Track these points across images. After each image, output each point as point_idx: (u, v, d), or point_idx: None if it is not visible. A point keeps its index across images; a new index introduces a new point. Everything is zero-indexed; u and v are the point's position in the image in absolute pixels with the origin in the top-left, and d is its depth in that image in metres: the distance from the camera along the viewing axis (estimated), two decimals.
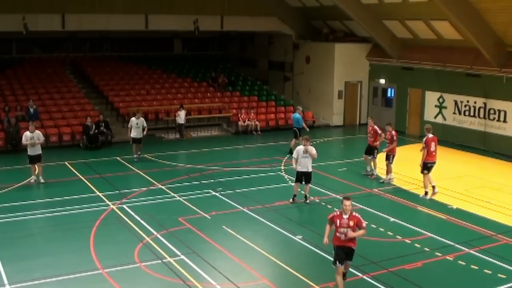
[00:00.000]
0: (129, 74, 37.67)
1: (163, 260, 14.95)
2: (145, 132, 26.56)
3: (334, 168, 24.98)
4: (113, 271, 14.28)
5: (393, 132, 22.49)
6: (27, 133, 22.22)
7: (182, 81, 37.83)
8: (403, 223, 18.03)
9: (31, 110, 29.32)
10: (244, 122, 33.23)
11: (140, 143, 26.47)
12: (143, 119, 26.75)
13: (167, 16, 34.35)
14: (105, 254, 15.38)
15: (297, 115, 27.75)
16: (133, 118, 26.57)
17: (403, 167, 24.09)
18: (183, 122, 31.27)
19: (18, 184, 21.78)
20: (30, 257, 15.39)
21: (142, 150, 26.72)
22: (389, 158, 22.51)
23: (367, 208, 19.31)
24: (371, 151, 23.59)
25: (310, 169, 19.67)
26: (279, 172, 24.02)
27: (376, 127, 23.39)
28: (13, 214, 18.39)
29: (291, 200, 19.95)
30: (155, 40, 41.93)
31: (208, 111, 34.68)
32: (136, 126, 26.09)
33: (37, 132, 22.42)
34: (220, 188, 21.54)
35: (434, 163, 20.68)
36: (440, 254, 15.53)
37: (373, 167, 23.70)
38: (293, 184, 20.52)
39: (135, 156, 26.26)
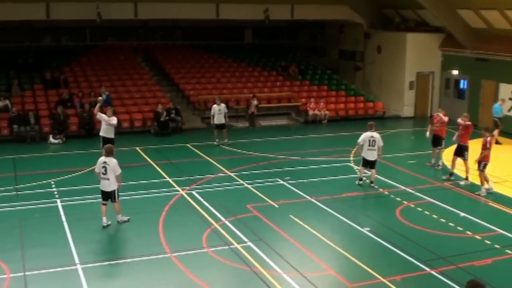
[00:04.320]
0: (200, 63, 37.99)
1: (231, 246, 15.10)
2: (226, 118, 27.38)
3: (404, 160, 24.68)
4: (181, 255, 14.51)
5: (488, 139, 19.74)
6: (103, 115, 22.71)
7: (252, 70, 37.94)
8: (473, 218, 17.66)
9: (104, 96, 29.88)
10: (314, 111, 33.12)
11: (224, 128, 27.26)
12: (224, 105, 27.47)
13: (238, 5, 34.39)
14: (174, 238, 15.64)
15: (496, 105, 27.76)
16: (214, 105, 27.21)
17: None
18: (253, 111, 31.51)
19: (90, 168, 22.19)
20: (100, 240, 15.82)
21: (228, 136, 27.43)
22: (480, 165, 19.84)
23: (437, 202, 19.03)
24: (438, 141, 23.29)
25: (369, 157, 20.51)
26: (348, 163, 23.86)
27: (445, 118, 23.04)
28: (82, 197, 18.88)
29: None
30: (225, 29, 42.12)
31: (278, 100, 34.71)
32: (219, 113, 26.88)
33: (113, 117, 22.88)
34: (288, 177, 21.55)
35: None
36: (511, 252, 15.17)
37: (440, 157, 23.53)
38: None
39: (217, 140, 27.03)
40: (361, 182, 20.84)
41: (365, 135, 20.35)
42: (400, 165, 23.74)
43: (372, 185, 20.56)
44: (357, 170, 22.02)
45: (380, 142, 20.39)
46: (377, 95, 36.90)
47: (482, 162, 19.77)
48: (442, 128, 23.14)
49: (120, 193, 16.84)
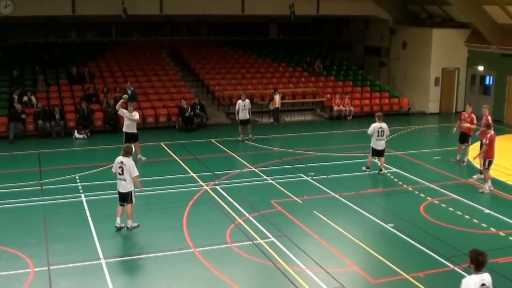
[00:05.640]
0: (225, 58, 38.06)
1: (254, 242, 15.12)
2: (250, 114, 27.39)
3: (429, 156, 24.52)
4: (204, 250, 14.57)
5: (489, 135, 19.82)
6: (125, 111, 22.75)
7: (277, 66, 37.87)
8: (498, 215, 17.49)
9: (129, 91, 29.92)
10: (339, 106, 33.02)
11: (249, 123, 27.39)
12: (248, 100, 27.65)
13: (263, 0, 34.34)
14: (198, 233, 15.71)
15: None
16: (239, 101, 27.30)
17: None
18: (277, 106, 31.50)
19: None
20: (125, 235, 15.87)
21: (252, 131, 27.54)
22: (485, 163, 19.91)
23: (461, 198, 18.89)
24: (465, 138, 23.11)
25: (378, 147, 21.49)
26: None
27: (472, 115, 22.87)
28: (106, 192, 18.94)
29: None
30: (251, 24, 42.11)
31: (302, 96, 34.66)
32: (244, 108, 26.99)
33: (135, 113, 22.96)
34: (312, 173, 21.53)
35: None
36: None
37: (466, 154, 23.30)
38: (386, 171, 20.57)
39: (241, 135, 27.18)
40: (368, 170, 21.76)
41: (374, 126, 21.37)
42: (425, 161, 23.60)
43: (381, 172, 21.60)
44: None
45: (387, 132, 21.59)
46: (402, 91, 36.68)
47: (487, 159, 19.80)
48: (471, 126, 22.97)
49: (145, 188, 16.89)
